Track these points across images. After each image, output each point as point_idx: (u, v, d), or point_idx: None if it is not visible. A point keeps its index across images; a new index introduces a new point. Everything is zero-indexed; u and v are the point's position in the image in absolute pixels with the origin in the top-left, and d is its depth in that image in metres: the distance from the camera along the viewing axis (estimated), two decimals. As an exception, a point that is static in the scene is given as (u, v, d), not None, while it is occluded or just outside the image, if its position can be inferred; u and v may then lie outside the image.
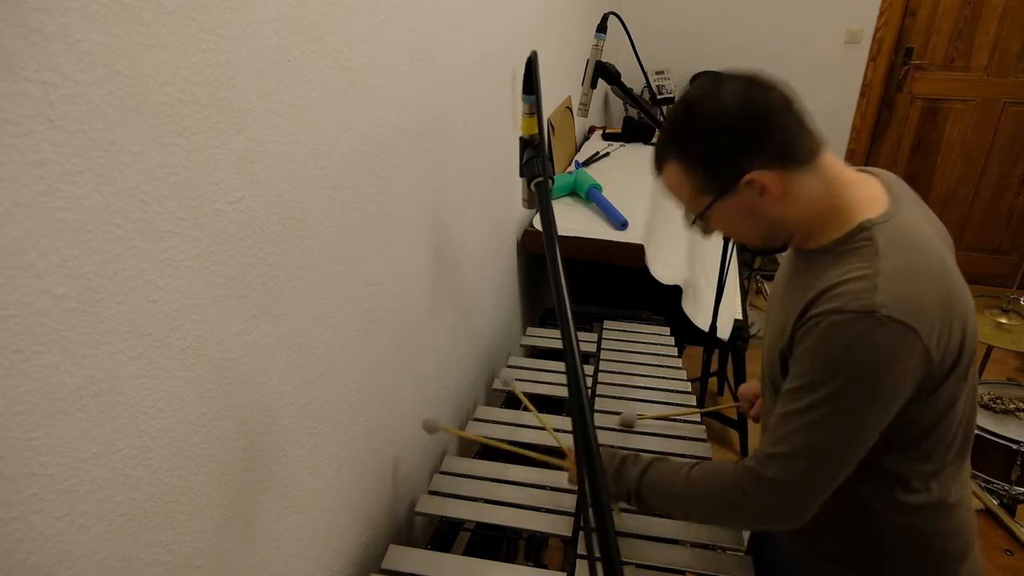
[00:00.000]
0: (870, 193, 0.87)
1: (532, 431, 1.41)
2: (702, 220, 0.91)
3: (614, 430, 1.40)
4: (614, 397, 1.52)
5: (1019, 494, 1.86)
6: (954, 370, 0.82)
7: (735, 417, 2.43)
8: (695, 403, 1.51)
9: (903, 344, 0.75)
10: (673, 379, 1.60)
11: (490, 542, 1.33)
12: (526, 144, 0.79)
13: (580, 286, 2.03)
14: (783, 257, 1.06)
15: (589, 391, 1.31)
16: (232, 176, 0.73)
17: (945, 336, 0.78)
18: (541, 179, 0.73)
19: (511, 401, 1.62)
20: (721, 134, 0.82)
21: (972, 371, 0.87)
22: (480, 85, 1.53)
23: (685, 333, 2.01)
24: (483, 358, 1.78)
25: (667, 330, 1.85)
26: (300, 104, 0.84)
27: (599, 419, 1.44)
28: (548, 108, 2.27)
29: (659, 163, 0.91)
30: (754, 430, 2.45)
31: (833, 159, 0.87)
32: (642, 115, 2.81)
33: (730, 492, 0.88)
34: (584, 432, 0.51)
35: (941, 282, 0.80)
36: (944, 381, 0.81)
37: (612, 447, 1.09)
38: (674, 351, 1.73)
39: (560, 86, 2.45)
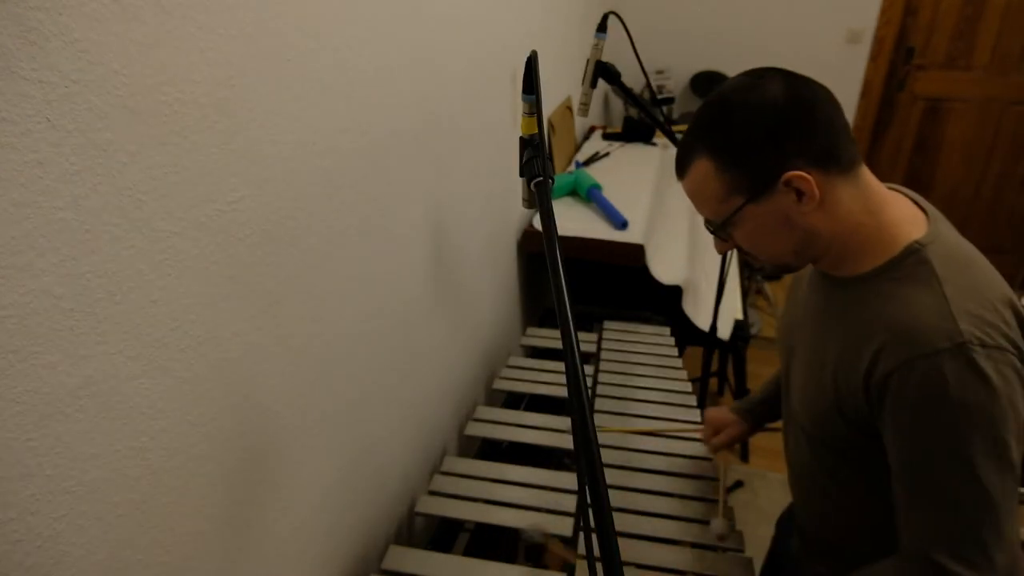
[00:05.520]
0: (907, 212, 0.80)
1: (533, 431, 1.41)
2: (728, 227, 0.81)
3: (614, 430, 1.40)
4: (614, 397, 1.52)
5: (1020, 495, 1.86)
6: None
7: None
8: (695, 403, 1.51)
9: (1006, 368, 0.69)
10: (673, 379, 1.59)
11: (490, 542, 1.33)
12: (526, 144, 0.79)
13: (580, 286, 2.02)
14: (798, 281, 0.98)
15: (589, 391, 1.31)
16: (232, 176, 0.73)
17: None
18: (541, 179, 0.73)
19: (511, 401, 1.61)
20: (762, 125, 0.74)
21: None
22: (480, 85, 1.53)
23: (685, 333, 2.00)
24: (483, 358, 1.78)
25: (667, 330, 1.85)
26: (300, 104, 0.84)
27: (599, 419, 1.44)
28: (548, 108, 2.27)
29: (684, 163, 0.81)
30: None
31: (869, 173, 0.80)
32: (642, 115, 2.80)
33: None
34: (584, 432, 0.51)
35: (1005, 294, 0.74)
36: None
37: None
38: (674, 351, 1.73)
39: (560, 86, 2.45)
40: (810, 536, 1.03)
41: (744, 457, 2.41)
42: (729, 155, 0.77)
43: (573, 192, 2.18)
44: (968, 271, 0.75)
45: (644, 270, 1.90)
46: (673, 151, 2.75)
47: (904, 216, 0.80)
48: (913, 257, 0.76)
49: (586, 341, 1.76)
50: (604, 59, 1.51)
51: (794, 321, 0.96)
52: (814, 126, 0.75)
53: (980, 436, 0.69)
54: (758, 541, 1.32)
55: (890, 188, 0.86)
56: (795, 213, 0.77)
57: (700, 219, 0.88)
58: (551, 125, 2.29)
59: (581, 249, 1.91)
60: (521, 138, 0.79)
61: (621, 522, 1.16)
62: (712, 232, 0.84)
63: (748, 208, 0.78)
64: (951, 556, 0.72)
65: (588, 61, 1.50)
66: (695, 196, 0.83)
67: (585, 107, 1.58)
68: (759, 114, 0.74)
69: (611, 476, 1.26)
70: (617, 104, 3.61)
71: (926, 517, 0.74)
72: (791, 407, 0.96)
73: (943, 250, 0.76)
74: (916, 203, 0.84)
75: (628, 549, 1.10)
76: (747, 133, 0.75)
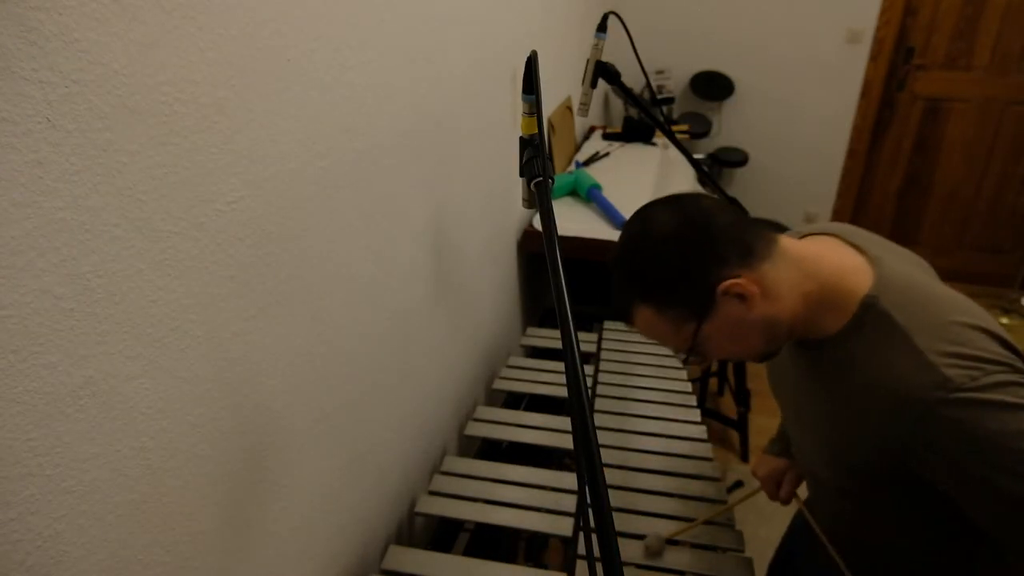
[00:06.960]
0: (846, 260, 0.81)
1: (533, 431, 1.41)
2: (696, 351, 0.83)
3: (614, 430, 1.40)
4: (614, 397, 1.52)
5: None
6: None
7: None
8: (695, 403, 1.51)
9: (1007, 387, 0.67)
10: (674, 379, 1.60)
11: (490, 542, 1.33)
12: (526, 144, 0.79)
13: (580, 286, 2.02)
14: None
15: (589, 391, 1.31)
16: (231, 176, 0.73)
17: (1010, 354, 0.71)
18: (541, 179, 0.73)
19: (511, 401, 1.62)
20: (675, 257, 0.78)
21: None
22: (480, 85, 1.53)
23: (685, 333, 2.00)
24: (483, 358, 1.78)
25: (667, 330, 1.85)
26: (300, 104, 0.84)
27: (599, 419, 1.44)
28: (548, 108, 2.27)
29: (626, 315, 0.85)
30: (754, 431, 2.45)
31: (787, 239, 0.83)
32: (642, 115, 2.80)
33: None
34: (584, 432, 0.51)
35: (969, 318, 0.73)
36: None
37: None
38: (674, 351, 1.73)
39: (560, 86, 2.44)
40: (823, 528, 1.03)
41: (744, 457, 2.41)
42: (660, 296, 0.80)
43: (573, 192, 2.18)
44: (928, 308, 0.75)
45: (644, 270, 1.90)
46: (673, 151, 2.75)
47: (844, 266, 0.80)
48: (871, 313, 0.76)
49: (586, 341, 1.76)
50: (604, 59, 1.51)
51: (780, 374, 0.97)
52: (718, 236, 0.77)
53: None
54: (758, 541, 1.32)
55: (816, 233, 0.88)
56: (745, 314, 0.79)
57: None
58: (551, 125, 2.29)
59: (581, 249, 1.91)
60: (521, 138, 0.79)
61: (621, 522, 1.16)
62: (685, 361, 0.86)
63: (703, 329, 0.80)
64: None
65: (588, 61, 1.50)
66: (652, 337, 0.86)
67: (585, 107, 1.58)
68: (665, 249, 0.78)
69: (611, 476, 1.26)
70: (617, 104, 3.61)
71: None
72: (793, 441, 0.99)
73: (896, 296, 0.76)
74: (852, 242, 0.84)
75: (628, 549, 1.10)
76: (664, 270, 0.78)
